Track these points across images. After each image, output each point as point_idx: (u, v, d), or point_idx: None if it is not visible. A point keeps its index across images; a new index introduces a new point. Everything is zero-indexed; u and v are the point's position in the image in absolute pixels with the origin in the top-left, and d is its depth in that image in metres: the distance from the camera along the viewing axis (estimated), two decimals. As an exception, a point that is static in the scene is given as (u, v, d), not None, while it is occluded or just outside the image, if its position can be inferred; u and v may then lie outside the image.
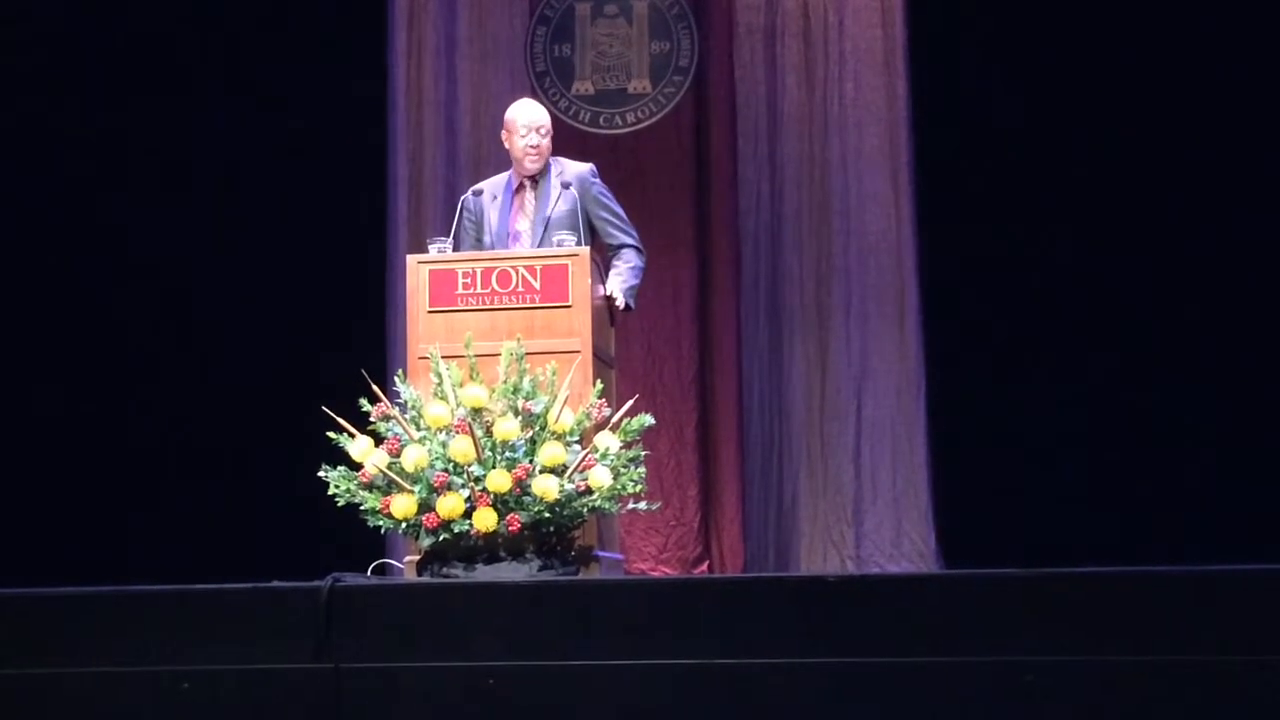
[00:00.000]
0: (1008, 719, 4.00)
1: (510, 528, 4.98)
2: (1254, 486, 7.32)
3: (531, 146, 5.88)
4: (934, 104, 8.04)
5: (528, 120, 5.92)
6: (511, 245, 5.84)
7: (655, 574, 7.78)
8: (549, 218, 5.82)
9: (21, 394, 8.03)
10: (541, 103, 6.98)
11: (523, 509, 5.01)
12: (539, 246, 5.75)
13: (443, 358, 5.24)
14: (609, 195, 5.99)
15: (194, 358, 8.03)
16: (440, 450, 5.08)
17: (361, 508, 5.15)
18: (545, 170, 5.93)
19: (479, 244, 5.90)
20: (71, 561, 7.17)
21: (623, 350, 6.67)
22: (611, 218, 5.94)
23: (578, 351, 5.37)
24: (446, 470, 5.06)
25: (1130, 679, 3.98)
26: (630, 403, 5.37)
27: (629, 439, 5.25)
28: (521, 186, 5.94)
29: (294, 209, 8.07)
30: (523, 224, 5.88)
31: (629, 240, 5.95)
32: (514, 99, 7.17)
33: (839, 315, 8.13)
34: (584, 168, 5.99)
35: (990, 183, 7.81)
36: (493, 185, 6.00)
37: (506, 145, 5.99)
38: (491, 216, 5.90)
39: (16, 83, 8.20)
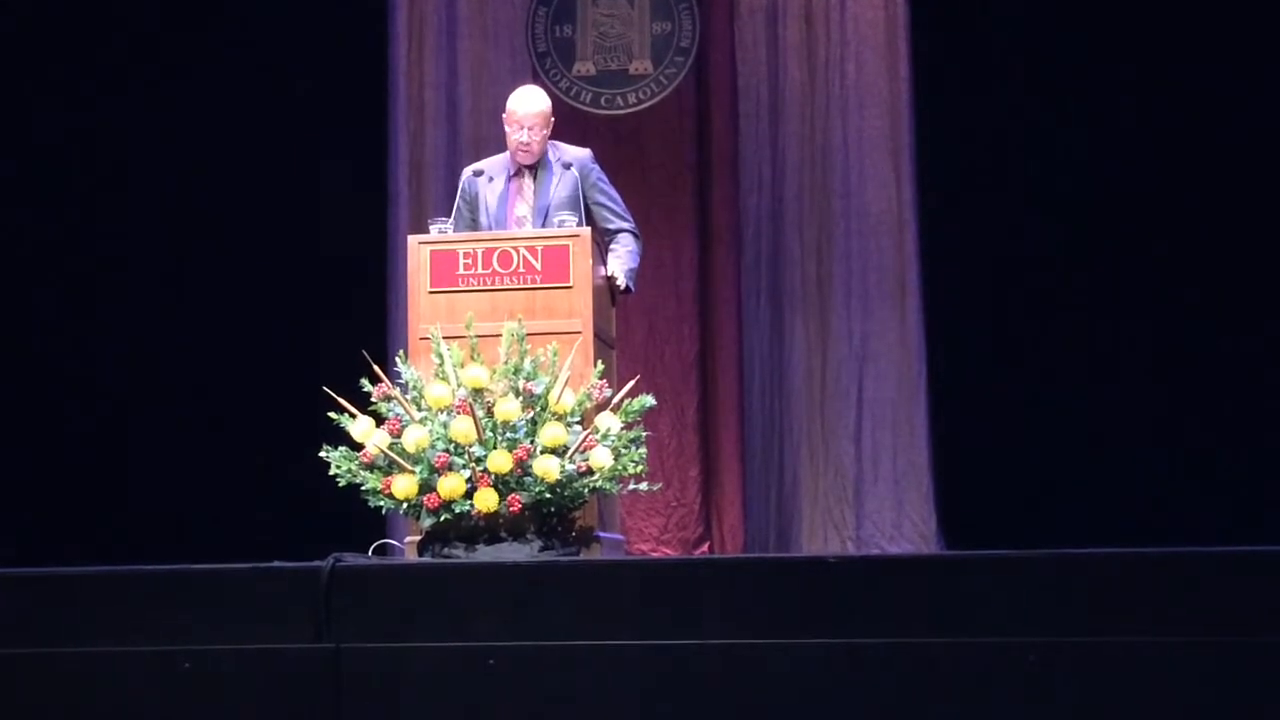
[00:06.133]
0: (1010, 700, 4.01)
1: (511, 508, 4.99)
2: (1252, 469, 7.33)
3: (521, 143, 5.83)
4: (935, 85, 8.02)
5: (521, 114, 5.84)
6: (510, 229, 5.81)
7: (656, 555, 7.79)
8: (549, 204, 5.81)
9: (23, 377, 8.03)
10: (543, 83, 7.00)
11: (524, 490, 5.01)
12: (546, 221, 5.74)
13: (444, 338, 5.24)
14: (607, 181, 5.98)
15: (194, 338, 8.02)
16: (441, 431, 5.08)
17: (363, 488, 5.16)
18: (544, 157, 5.92)
19: (474, 225, 5.88)
20: (71, 543, 7.20)
21: (623, 331, 6.67)
22: (609, 203, 5.94)
23: (579, 332, 5.37)
24: (447, 451, 5.06)
25: (1132, 659, 3.99)
26: (631, 384, 5.37)
27: (630, 420, 5.25)
28: (520, 172, 5.92)
29: (295, 189, 8.05)
30: (522, 210, 5.87)
31: (626, 226, 5.96)
32: (515, 79, 7.20)
33: (840, 296, 8.13)
34: (582, 153, 5.98)
35: (991, 164, 7.79)
36: (491, 166, 5.98)
37: (507, 137, 5.97)
38: (489, 199, 5.89)
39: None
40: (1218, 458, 7.38)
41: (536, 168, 5.90)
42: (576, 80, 8.28)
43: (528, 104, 5.88)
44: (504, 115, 5.93)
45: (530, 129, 5.83)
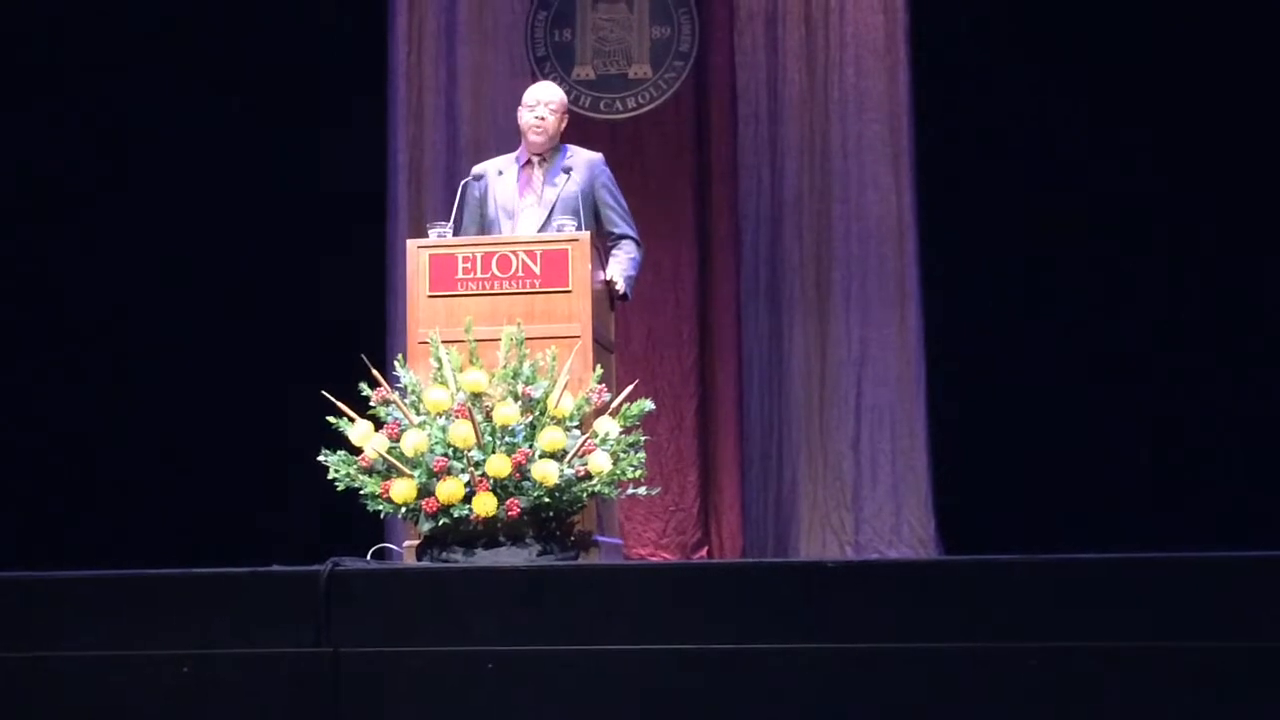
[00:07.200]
0: (1009, 704, 4.01)
1: (510, 513, 4.99)
2: (1250, 470, 7.34)
3: (538, 118, 5.90)
4: (935, 89, 8.03)
5: (535, 95, 5.97)
6: (517, 220, 5.84)
7: (654, 559, 7.79)
8: (556, 199, 5.83)
9: (24, 379, 8.03)
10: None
11: (522, 494, 5.01)
12: (544, 227, 5.75)
13: (443, 342, 5.24)
14: (615, 185, 6.02)
15: (192, 342, 8.02)
16: (440, 435, 5.08)
17: (361, 492, 5.15)
18: (559, 152, 5.94)
19: (483, 220, 5.92)
20: (73, 546, 7.21)
21: (622, 335, 6.67)
22: (615, 206, 5.98)
23: (577, 336, 5.37)
24: (446, 455, 5.06)
25: (1131, 664, 3.99)
26: (630, 388, 5.37)
27: (628, 424, 5.25)
28: (529, 163, 5.95)
29: (294, 193, 8.06)
30: (529, 200, 5.89)
31: (630, 232, 5.99)
32: (515, 83, 7.22)
33: (839, 301, 8.12)
34: (594, 156, 6.02)
35: (990, 168, 7.80)
36: (498, 163, 6.02)
37: (519, 123, 6.01)
38: (498, 191, 5.91)
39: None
40: (1218, 461, 7.38)
41: (546, 160, 5.92)
42: (576, 84, 8.28)
43: (543, 88, 6.04)
44: (518, 110, 5.99)
45: (544, 105, 5.91)
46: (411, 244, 5.57)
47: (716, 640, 4.17)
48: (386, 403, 5.22)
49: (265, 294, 8.01)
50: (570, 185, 5.85)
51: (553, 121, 5.92)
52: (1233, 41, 7.67)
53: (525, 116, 5.94)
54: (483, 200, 5.94)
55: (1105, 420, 7.57)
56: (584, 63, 8.36)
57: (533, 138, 5.91)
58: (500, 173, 5.96)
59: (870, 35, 8.20)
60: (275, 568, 4.54)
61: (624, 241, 5.96)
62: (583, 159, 5.95)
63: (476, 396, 5.12)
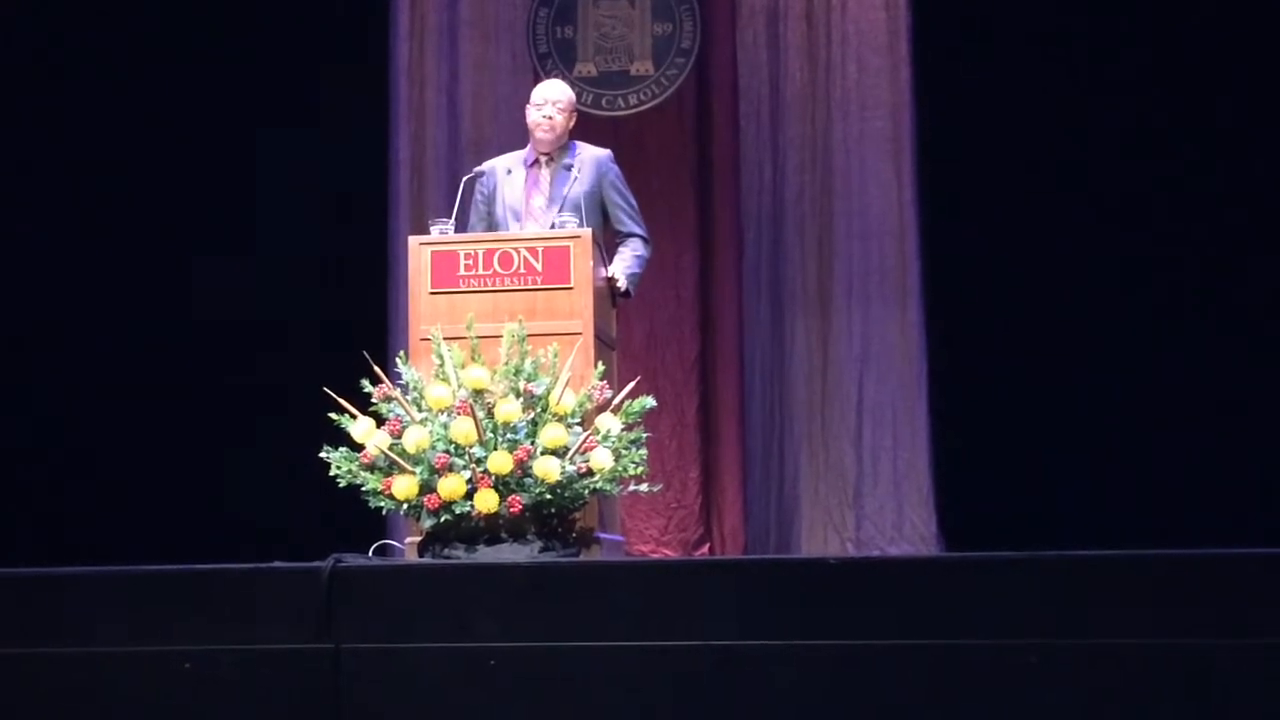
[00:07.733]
0: (1009, 701, 4.01)
1: (511, 509, 4.99)
2: (1253, 470, 7.34)
3: (545, 117, 5.90)
4: (937, 85, 8.03)
5: (543, 93, 5.97)
6: (525, 220, 5.84)
7: (656, 556, 7.79)
8: (564, 199, 5.83)
9: (30, 372, 8.04)
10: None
11: (524, 490, 5.01)
12: (552, 227, 5.74)
13: (444, 339, 5.24)
14: (624, 183, 6.03)
15: (194, 339, 8.02)
16: (442, 431, 5.08)
17: (363, 489, 5.16)
18: (568, 150, 5.94)
19: (490, 219, 5.92)
20: (74, 544, 7.21)
21: (624, 332, 6.67)
22: (623, 204, 5.99)
23: (579, 333, 5.37)
24: (448, 451, 5.06)
25: (1132, 661, 3.99)
26: (632, 385, 5.37)
27: (630, 421, 5.25)
28: (537, 162, 5.95)
29: (295, 191, 8.06)
30: (537, 200, 5.90)
31: (638, 231, 6.00)
32: (516, 81, 7.22)
33: (841, 298, 8.13)
34: (602, 153, 6.02)
35: (992, 164, 7.80)
36: (505, 161, 6.02)
37: (527, 121, 6.01)
38: (506, 190, 5.92)
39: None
40: (1219, 458, 7.38)
41: (554, 158, 5.92)
42: (577, 81, 8.27)
43: (551, 86, 6.04)
44: (526, 108, 5.99)
45: (552, 103, 5.91)
46: (413, 240, 5.57)
47: (717, 637, 4.16)
48: (388, 399, 5.22)
49: (266, 292, 8.01)
50: (578, 185, 5.85)
51: (561, 120, 5.92)
52: (1234, 40, 7.68)
53: (533, 115, 5.94)
54: (490, 199, 5.95)
55: (1106, 417, 7.57)
56: (586, 59, 8.36)
57: (540, 135, 5.92)
58: (509, 172, 5.96)
59: (872, 32, 8.21)
60: (277, 564, 4.54)
61: (631, 239, 5.97)
62: (590, 156, 5.95)
63: (478, 393, 5.12)
